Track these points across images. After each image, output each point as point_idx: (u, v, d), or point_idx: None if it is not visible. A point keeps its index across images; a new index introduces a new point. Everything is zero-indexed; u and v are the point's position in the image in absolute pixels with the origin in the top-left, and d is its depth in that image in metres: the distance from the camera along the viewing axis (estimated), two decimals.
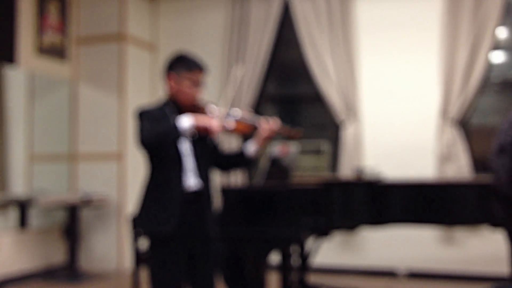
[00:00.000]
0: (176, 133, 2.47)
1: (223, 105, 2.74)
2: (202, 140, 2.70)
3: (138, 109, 2.69)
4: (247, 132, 2.81)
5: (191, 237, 2.63)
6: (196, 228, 2.64)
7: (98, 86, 5.78)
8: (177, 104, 2.70)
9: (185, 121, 2.47)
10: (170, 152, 2.60)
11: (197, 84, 2.70)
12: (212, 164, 2.84)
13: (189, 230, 2.61)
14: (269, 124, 2.76)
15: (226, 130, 2.77)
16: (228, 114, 2.73)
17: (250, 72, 5.69)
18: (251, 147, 2.80)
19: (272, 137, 2.80)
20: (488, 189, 2.71)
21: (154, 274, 2.62)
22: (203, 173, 2.69)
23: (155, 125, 2.54)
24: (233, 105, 5.50)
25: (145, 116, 2.63)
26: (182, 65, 2.70)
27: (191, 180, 2.64)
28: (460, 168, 5.00)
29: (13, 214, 5.06)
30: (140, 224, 2.70)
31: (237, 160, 2.87)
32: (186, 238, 2.61)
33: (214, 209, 2.78)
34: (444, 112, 5.08)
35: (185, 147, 2.65)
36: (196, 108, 2.71)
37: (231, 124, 2.71)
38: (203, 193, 2.67)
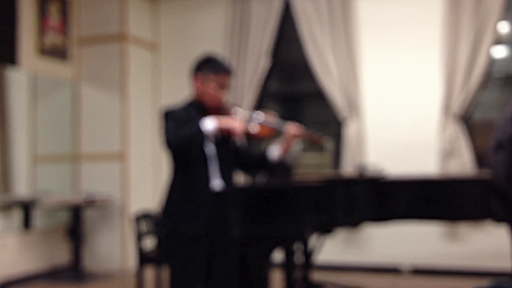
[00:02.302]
0: (201, 136, 2.49)
1: (247, 109, 2.76)
2: (225, 142, 2.71)
3: (164, 109, 2.70)
4: (270, 136, 2.81)
5: (212, 238, 2.63)
6: (218, 229, 2.64)
7: (100, 86, 5.79)
8: (202, 106, 2.71)
9: (209, 124, 2.49)
10: (196, 153, 2.60)
11: (223, 87, 2.70)
12: (235, 166, 2.84)
13: (211, 231, 2.61)
14: (294, 129, 2.78)
15: (250, 134, 2.77)
16: (252, 118, 2.74)
17: (251, 70, 5.69)
18: (275, 152, 2.80)
19: (295, 141, 2.81)
20: (488, 185, 2.71)
21: (174, 274, 2.62)
22: (226, 175, 2.69)
23: (180, 128, 2.54)
24: (234, 100, 5.52)
25: (170, 117, 2.64)
26: (210, 67, 2.69)
27: (215, 182, 2.65)
28: (463, 163, 4.99)
29: (17, 215, 5.07)
30: (167, 224, 2.68)
31: (260, 164, 2.88)
32: (207, 238, 2.61)
33: (239, 210, 2.77)
34: (446, 107, 5.07)
35: (209, 149, 2.65)
36: (221, 111, 2.72)
37: (255, 128, 2.72)
38: (226, 194, 2.67)
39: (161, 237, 3.43)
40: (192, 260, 2.60)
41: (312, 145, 3.03)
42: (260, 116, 2.79)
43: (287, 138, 2.78)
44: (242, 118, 2.69)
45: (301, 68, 5.76)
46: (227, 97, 2.78)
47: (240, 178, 5.65)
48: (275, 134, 2.80)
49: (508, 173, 2.36)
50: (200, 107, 2.71)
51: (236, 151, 2.84)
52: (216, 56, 2.77)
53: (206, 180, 2.61)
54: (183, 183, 2.65)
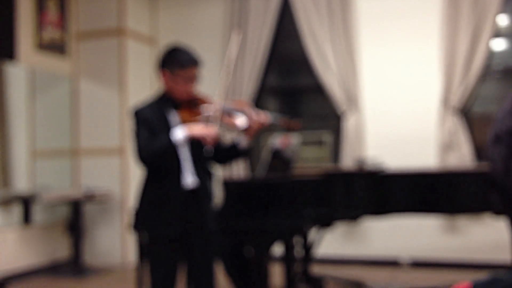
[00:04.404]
0: (172, 148, 2.47)
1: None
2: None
3: (133, 109, 2.65)
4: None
5: (189, 235, 2.63)
6: (194, 226, 2.63)
7: (99, 81, 5.78)
8: (173, 100, 2.66)
9: (180, 133, 2.47)
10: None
11: (192, 79, 2.63)
12: (211, 160, 2.81)
13: (187, 228, 2.61)
14: (259, 117, 2.69)
15: (224, 126, 2.73)
16: (225, 108, 2.67)
17: (250, 64, 5.68)
18: (243, 141, 2.74)
19: (262, 130, 2.74)
20: (486, 178, 2.71)
21: (152, 271, 2.64)
22: (199, 170, 2.65)
23: (151, 139, 2.51)
24: (233, 95, 5.51)
25: (141, 121, 2.59)
26: (176, 62, 2.60)
27: (188, 178, 2.62)
28: (462, 156, 4.99)
29: (16, 211, 5.07)
30: (140, 227, 2.69)
31: (232, 154, 2.82)
32: (184, 235, 2.61)
33: (213, 205, 2.75)
34: (446, 101, 5.07)
35: (181, 147, 2.61)
36: (192, 103, 2.66)
37: (243, 122, 2.66)
38: (201, 190, 2.65)
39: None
40: (165, 259, 2.60)
41: (289, 131, 2.98)
42: (233, 105, 2.72)
43: (252, 125, 2.67)
44: (215, 110, 2.61)
45: (300, 62, 5.75)
46: (198, 87, 2.70)
47: (240, 173, 5.66)
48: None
49: (506, 166, 2.36)
50: (171, 102, 2.66)
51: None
52: (180, 48, 2.67)
53: (178, 180, 2.58)
54: (154, 183, 2.63)
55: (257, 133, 2.72)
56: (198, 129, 2.50)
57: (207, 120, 2.58)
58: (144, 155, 2.51)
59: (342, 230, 5.40)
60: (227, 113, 2.67)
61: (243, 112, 2.71)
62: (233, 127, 2.69)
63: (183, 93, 2.64)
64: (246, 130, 2.71)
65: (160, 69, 2.67)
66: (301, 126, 2.89)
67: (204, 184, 2.68)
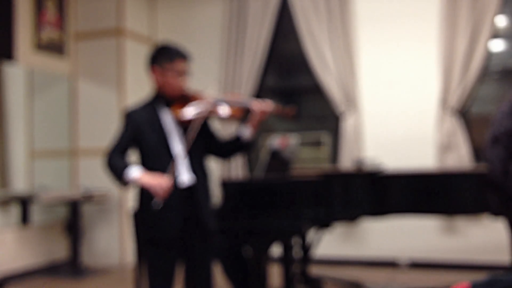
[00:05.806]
0: (121, 180, 2.52)
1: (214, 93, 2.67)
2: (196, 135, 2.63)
3: (125, 110, 2.68)
4: (240, 117, 2.73)
5: (187, 234, 2.62)
6: (192, 225, 2.62)
7: (97, 81, 5.78)
8: (165, 97, 2.66)
9: (134, 174, 2.49)
10: (162, 153, 2.58)
11: (182, 73, 2.64)
12: (208, 155, 2.79)
13: (185, 227, 2.60)
14: (261, 105, 2.68)
15: (221, 118, 2.73)
16: (219, 100, 2.67)
17: (249, 65, 5.67)
18: (246, 131, 2.72)
19: (266, 118, 2.73)
20: (484, 179, 2.72)
21: (150, 272, 2.64)
22: (196, 167, 2.64)
23: (116, 158, 2.56)
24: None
25: (127, 125, 2.62)
26: (164, 56, 2.64)
27: (184, 176, 2.60)
28: (461, 157, 5.00)
29: (15, 211, 5.07)
30: (138, 227, 2.70)
31: (235, 146, 2.79)
32: (182, 235, 2.60)
33: (211, 202, 2.74)
34: (444, 101, 5.07)
35: (176, 142, 2.62)
36: (184, 99, 2.66)
37: (225, 111, 2.65)
38: (198, 187, 2.63)
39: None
40: (166, 262, 2.60)
41: (284, 118, 2.97)
42: (228, 98, 2.72)
43: (256, 115, 2.68)
44: (210, 102, 2.62)
45: (299, 63, 5.75)
46: (188, 83, 2.70)
47: (239, 173, 5.66)
48: (245, 113, 2.72)
49: (504, 167, 2.37)
50: (163, 100, 2.66)
51: (209, 139, 2.77)
52: (168, 44, 2.71)
53: (173, 180, 2.56)
54: None
55: (261, 122, 2.71)
56: (149, 180, 2.49)
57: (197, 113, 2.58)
58: (105, 162, 2.57)
59: (340, 231, 5.40)
60: (219, 106, 2.67)
61: (238, 103, 2.71)
62: (216, 116, 2.69)
63: (174, 88, 2.64)
64: (248, 121, 2.70)
65: (150, 67, 2.69)
66: (295, 111, 2.85)
67: (201, 181, 2.66)
